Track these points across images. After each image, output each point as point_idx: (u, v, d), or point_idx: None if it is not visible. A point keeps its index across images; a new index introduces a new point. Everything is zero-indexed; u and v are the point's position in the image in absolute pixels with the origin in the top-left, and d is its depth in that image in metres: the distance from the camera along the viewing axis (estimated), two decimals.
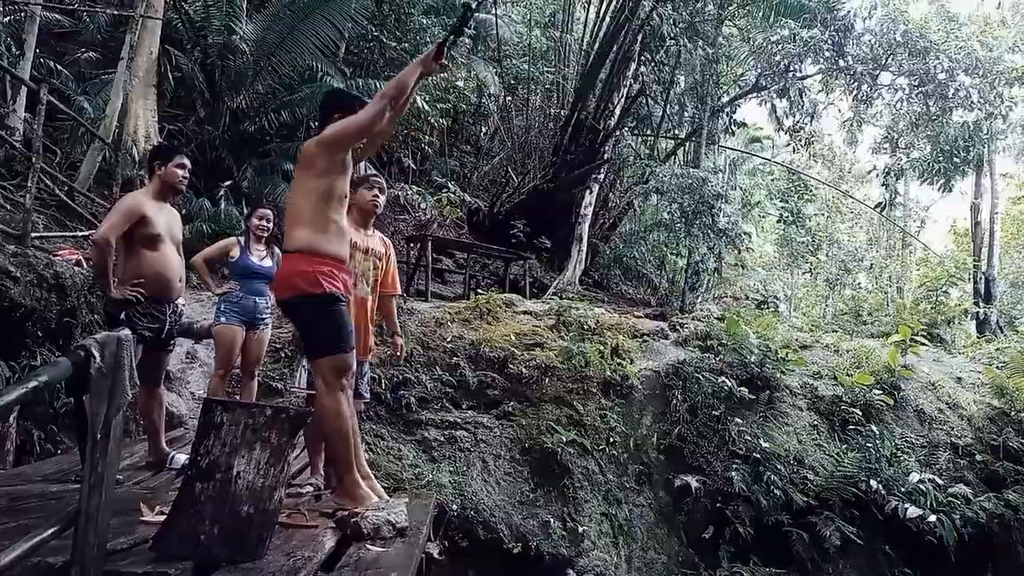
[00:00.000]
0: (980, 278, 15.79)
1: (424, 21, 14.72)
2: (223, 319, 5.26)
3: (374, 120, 3.40)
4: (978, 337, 13.97)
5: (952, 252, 21.25)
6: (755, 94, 16.29)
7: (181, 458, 4.42)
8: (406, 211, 15.12)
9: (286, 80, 12.35)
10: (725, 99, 16.87)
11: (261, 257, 5.69)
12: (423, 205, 13.90)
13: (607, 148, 14.81)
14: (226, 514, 2.29)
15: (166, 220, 4.24)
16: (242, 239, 5.81)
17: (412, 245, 12.69)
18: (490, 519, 6.34)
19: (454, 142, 18.17)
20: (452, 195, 13.60)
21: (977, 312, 14.67)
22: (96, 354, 1.94)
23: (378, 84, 12.91)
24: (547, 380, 7.41)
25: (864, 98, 14.76)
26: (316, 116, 12.93)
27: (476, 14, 16.15)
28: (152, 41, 9.62)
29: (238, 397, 6.12)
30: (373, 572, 2.49)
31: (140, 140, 9.24)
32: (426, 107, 13.23)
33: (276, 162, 11.79)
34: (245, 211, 10.07)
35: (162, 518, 2.93)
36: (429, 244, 11.60)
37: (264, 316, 5.64)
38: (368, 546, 2.79)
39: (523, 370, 7.46)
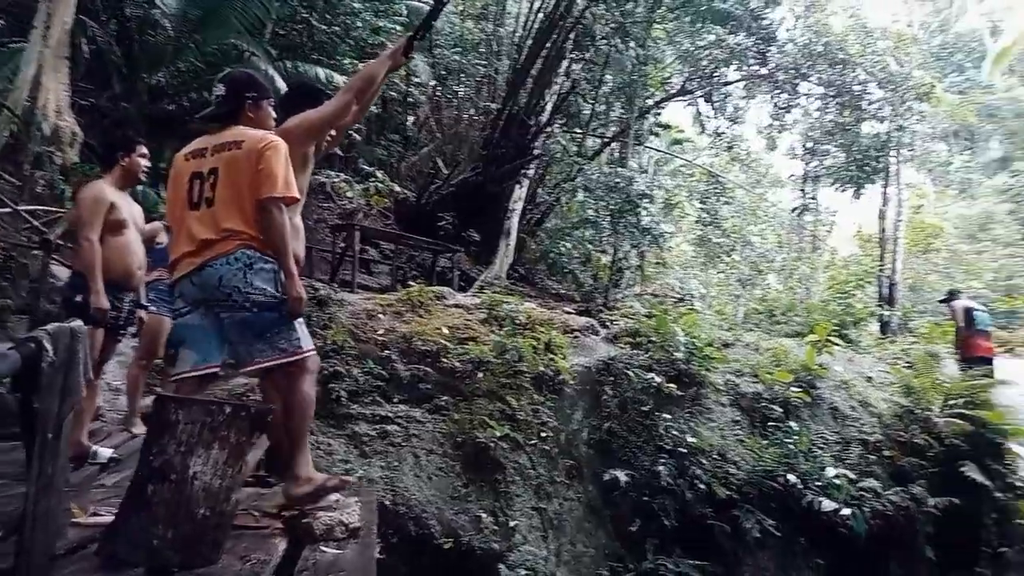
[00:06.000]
0: (884, 282, 16.70)
1: (356, 5, 14.37)
2: (152, 308, 5.01)
3: (339, 113, 3.34)
4: (882, 337, 14.75)
5: (857, 256, 22.35)
6: (681, 97, 16.70)
7: (105, 452, 4.22)
8: (331, 199, 14.78)
9: (210, 59, 11.85)
10: (651, 101, 17.20)
11: None
12: (349, 194, 13.61)
13: (538, 144, 14.87)
14: (181, 517, 2.17)
15: (128, 208, 4.30)
16: (167, 223, 5.56)
17: (338, 234, 12.41)
18: (422, 515, 6.27)
19: (381, 130, 17.86)
20: (380, 184, 13.37)
21: (882, 314, 15.49)
22: (48, 347, 1.80)
23: (307, 67, 12.57)
24: (480, 374, 7.39)
25: (784, 105, 15.33)
26: None
27: (415, 3, 15.87)
28: (66, 10, 9.05)
29: (159, 389, 5.90)
30: None
31: (51, 114, 8.69)
32: None
33: None
34: (163, 193, 9.62)
35: (96, 520, 2.77)
36: (357, 234, 11.37)
37: None
38: (323, 548, 2.71)
39: (456, 364, 7.42)
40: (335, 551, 2.70)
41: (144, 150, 4.44)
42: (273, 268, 3.06)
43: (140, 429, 5.17)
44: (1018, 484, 7.83)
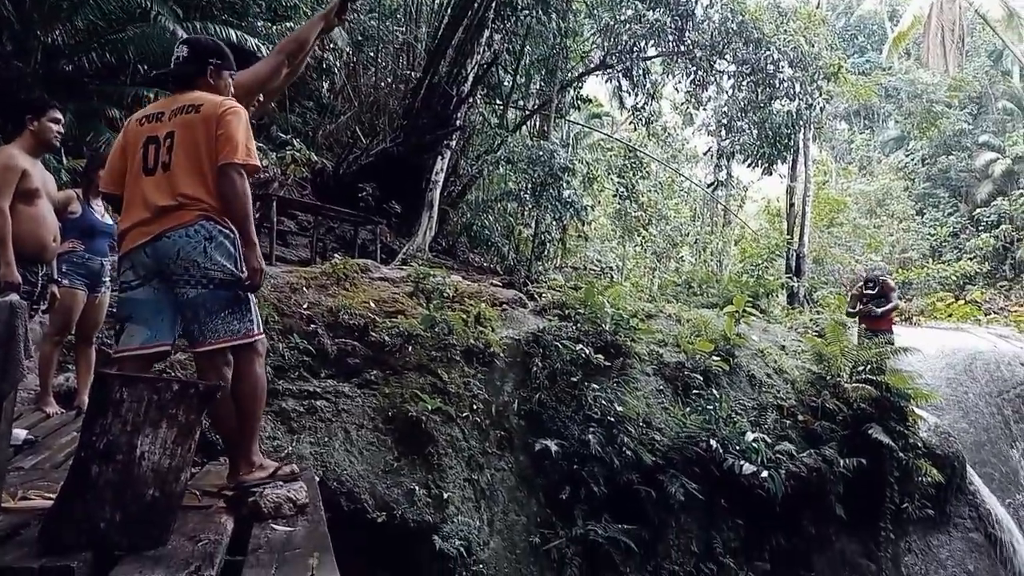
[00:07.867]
0: (792, 254, 17.44)
1: None
2: (65, 281, 4.71)
3: (270, 75, 3.31)
4: (790, 308, 15.44)
5: (766, 230, 23.22)
6: (600, 71, 16.80)
7: (19, 433, 3.96)
8: None
9: (111, 17, 11.13)
10: (572, 74, 17.24)
11: (102, 213, 5.19)
12: (264, 162, 13.13)
13: (459, 115, 14.68)
14: (129, 498, 2.05)
15: (41, 175, 4.10)
16: (79, 192, 5.24)
17: (253, 205, 11.98)
18: (353, 489, 6.18)
19: (295, 96, 17.25)
20: (298, 153, 12.94)
21: (791, 286, 16.20)
22: None
23: (216, 28, 11.97)
24: (410, 348, 7.30)
25: (701, 82, 15.65)
26: (146, 59, 11.88)
27: None
28: None
29: (73, 366, 5.61)
30: (291, 553, 2.33)
31: None
32: None
33: (99, 107, 10.65)
34: (65, 160, 9.03)
35: (27, 504, 2.60)
36: (275, 204, 11.01)
37: (106, 279, 5.16)
38: (273, 526, 2.62)
39: (385, 338, 7.30)
40: (286, 528, 2.62)
41: (56, 114, 4.20)
42: (232, 240, 2.98)
43: (53, 408, 4.91)
44: (918, 445, 8.38)
